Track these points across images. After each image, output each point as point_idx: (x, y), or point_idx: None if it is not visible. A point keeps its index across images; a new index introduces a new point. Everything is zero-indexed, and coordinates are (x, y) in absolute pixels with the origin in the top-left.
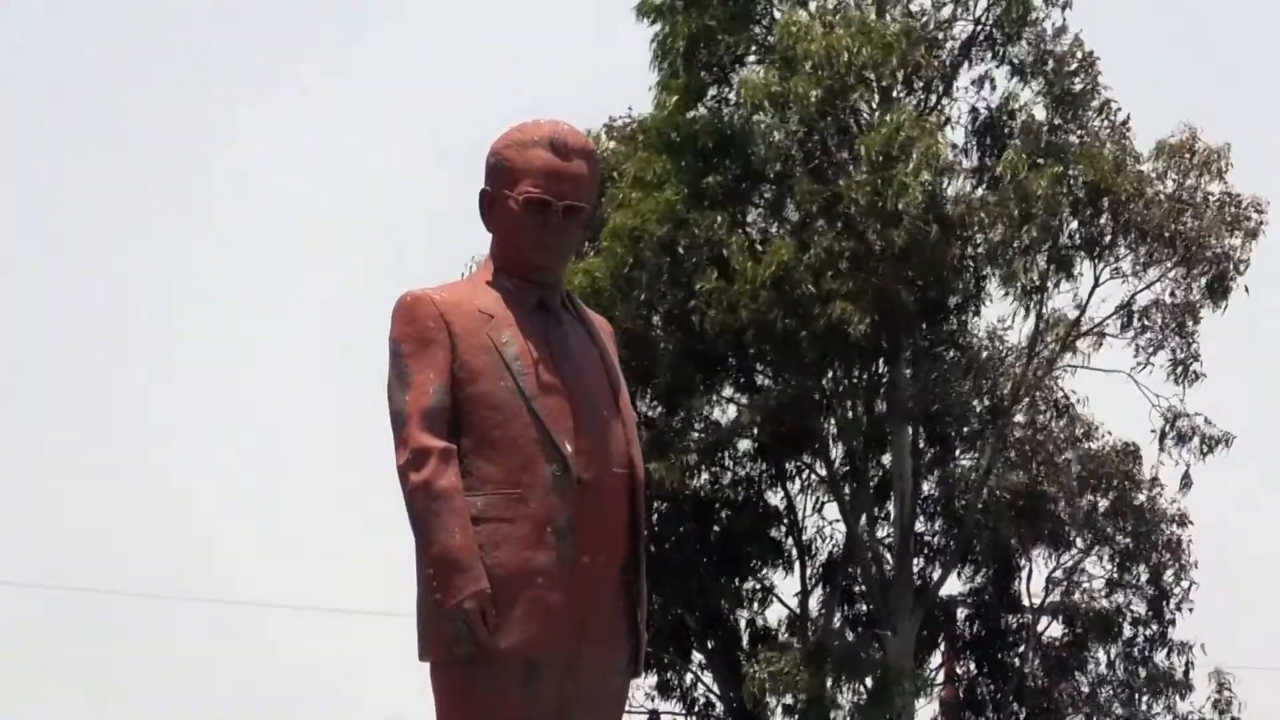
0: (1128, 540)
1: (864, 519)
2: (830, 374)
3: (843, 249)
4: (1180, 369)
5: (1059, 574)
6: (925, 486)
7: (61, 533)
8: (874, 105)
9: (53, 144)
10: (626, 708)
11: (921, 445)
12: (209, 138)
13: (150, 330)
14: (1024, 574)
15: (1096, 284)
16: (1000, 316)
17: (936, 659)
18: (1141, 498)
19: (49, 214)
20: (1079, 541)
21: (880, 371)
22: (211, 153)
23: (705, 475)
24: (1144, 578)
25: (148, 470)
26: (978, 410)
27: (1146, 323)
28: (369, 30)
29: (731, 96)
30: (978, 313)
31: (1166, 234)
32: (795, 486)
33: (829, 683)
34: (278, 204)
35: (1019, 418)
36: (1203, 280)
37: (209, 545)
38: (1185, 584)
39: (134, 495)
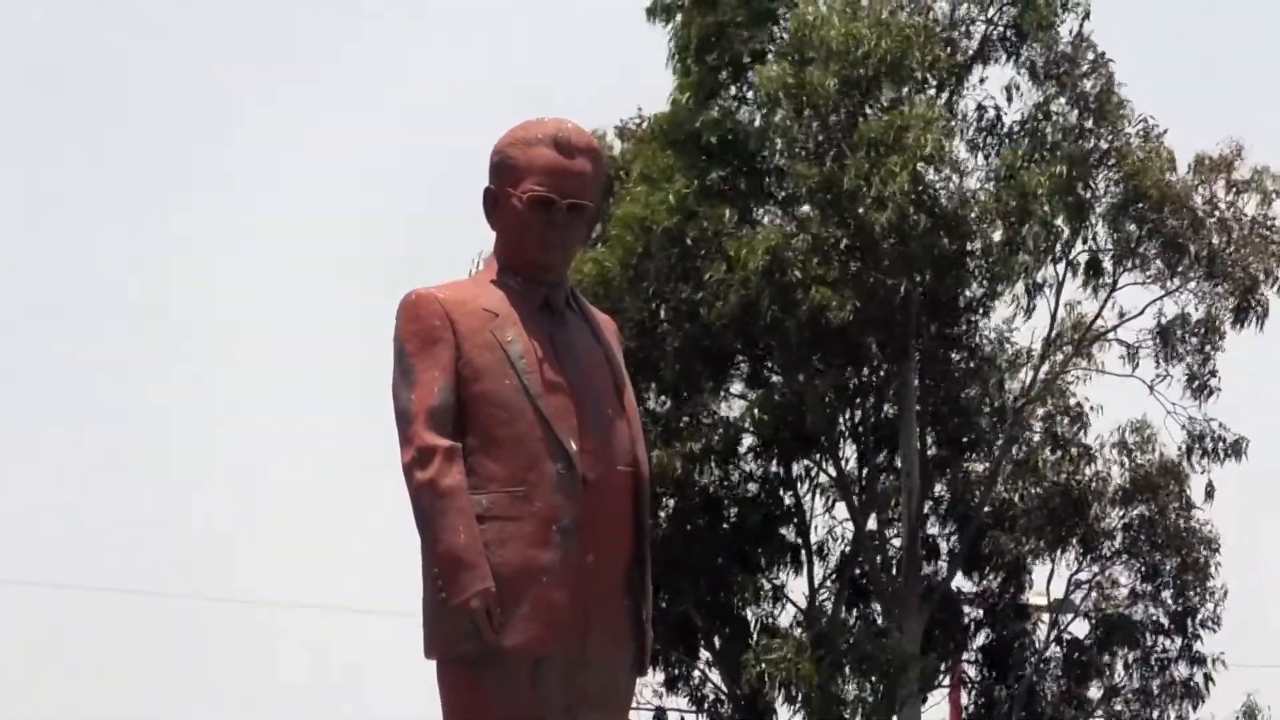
0: (1157, 554)
1: (872, 519)
2: (840, 373)
3: (830, 235)
4: (1198, 385)
5: (1082, 575)
6: (937, 488)
7: (68, 532)
8: (885, 100)
9: (57, 146)
10: (634, 704)
11: (931, 447)
12: (214, 138)
13: (159, 330)
14: (1045, 575)
15: (1115, 287)
16: (1005, 319)
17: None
18: (1180, 521)
19: (54, 212)
20: (1106, 549)
21: (889, 370)
22: (225, 154)
23: (714, 472)
24: (1169, 593)
25: (155, 469)
26: (985, 413)
27: (1169, 337)
28: (375, 31)
29: (749, 95)
30: (987, 314)
31: (1194, 247)
32: (804, 486)
33: (838, 676)
34: (282, 202)
35: (1037, 420)
36: (1230, 301)
37: (216, 545)
38: (1211, 605)
39: (140, 494)
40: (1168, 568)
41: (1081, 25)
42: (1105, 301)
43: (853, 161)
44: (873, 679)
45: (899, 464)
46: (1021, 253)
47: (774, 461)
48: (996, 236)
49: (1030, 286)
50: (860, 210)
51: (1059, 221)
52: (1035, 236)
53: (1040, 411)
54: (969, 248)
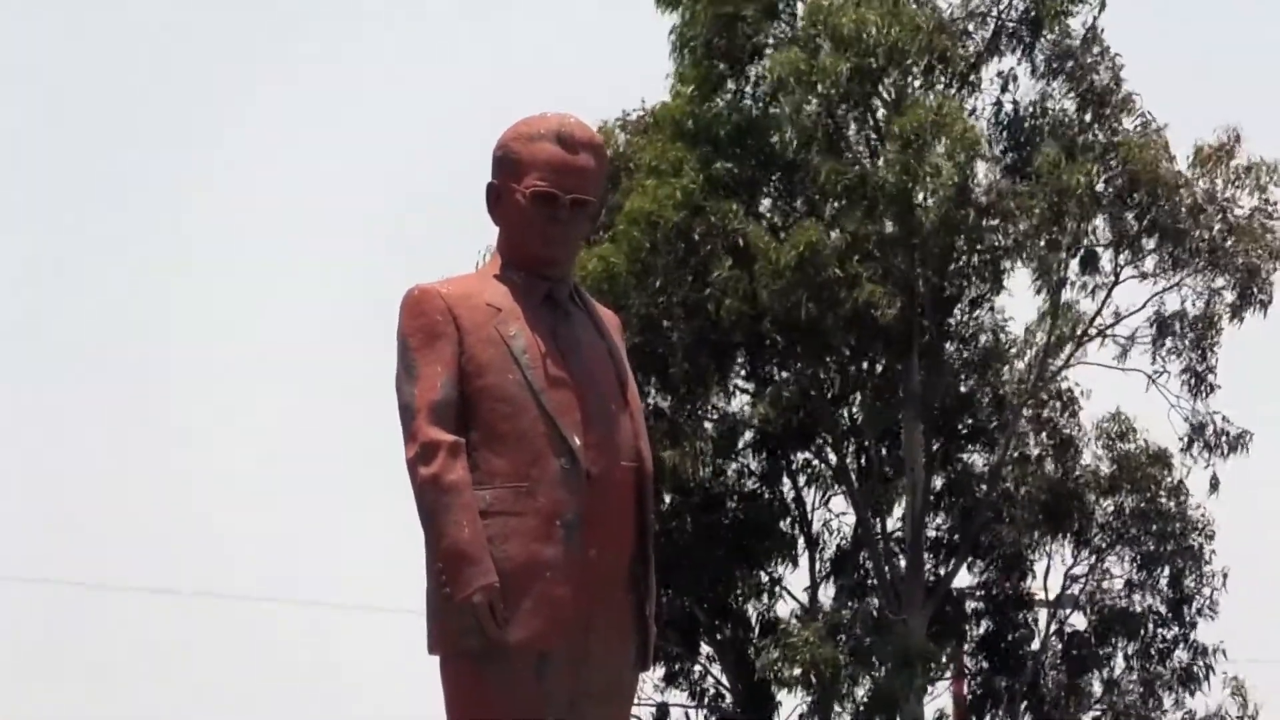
0: (1150, 542)
1: (871, 512)
2: (849, 366)
3: (869, 232)
4: (1195, 380)
5: (1078, 569)
6: (937, 481)
7: (72, 529)
8: (894, 90)
9: (62, 146)
10: (636, 700)
11: (932, 439)
12: (214, 137)
13: (159, 328)
14: (1042, 569)
15: (1117, 281)
16: (999, 307)
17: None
18: (1170, 504)
19: (54, 210)
20: (1100, 540)
21: (894, 363)
22: (228, 151)
23: (714, 466)
24: (1165, 581)
25: (159, 466)
26: (985, 405)
27: (1169, 331)
28: (382, 28)
29: (748, 90)
30: (993, 307)
31: (1193, 238)
32: (803, 479)
33: (862, 665)
34: (288, 199)
35: (1030, 412)
36: (1228, 293)
37: (216, 542)
38: (1208, 591)
39: (145, 491)
40: (1162, 554)
41: (1096, 18)
42: (1108, 296)
43: (895, 156)
44: (895, 669)
45: (900, 457)
46: (1047, 248)
47: (774, 456)
48: (1023, 228)
49: (1057, 284)
50: (896, 205)
51: (1082, 214)
52: (1070, 233)
53: (1031, 401)
54: (999, 244)
